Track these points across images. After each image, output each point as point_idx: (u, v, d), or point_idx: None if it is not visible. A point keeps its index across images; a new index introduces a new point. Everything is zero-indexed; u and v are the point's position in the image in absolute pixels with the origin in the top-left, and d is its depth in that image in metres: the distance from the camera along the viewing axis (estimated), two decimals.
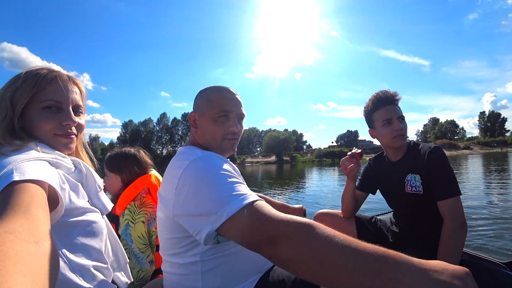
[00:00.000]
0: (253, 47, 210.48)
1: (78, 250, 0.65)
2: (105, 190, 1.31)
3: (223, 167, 0.73)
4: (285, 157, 79.09)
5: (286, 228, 0.55)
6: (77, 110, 0.77)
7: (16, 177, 0.49)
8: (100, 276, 0.71)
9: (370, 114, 1.45)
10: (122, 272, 0.88)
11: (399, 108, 1.40)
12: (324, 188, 11.04)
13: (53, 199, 0.55)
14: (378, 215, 1.90)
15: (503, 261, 1.32)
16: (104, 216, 0.82)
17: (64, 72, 0.77)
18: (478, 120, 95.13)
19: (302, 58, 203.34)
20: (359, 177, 1.60)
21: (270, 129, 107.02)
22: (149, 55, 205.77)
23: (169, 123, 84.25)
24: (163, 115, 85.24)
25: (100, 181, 0.82)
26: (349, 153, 1.43)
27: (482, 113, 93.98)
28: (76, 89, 0.77)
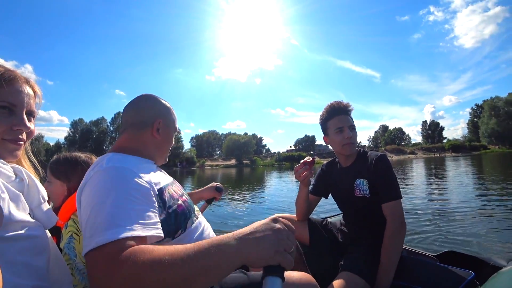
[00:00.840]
0: (215, 50, 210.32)
1: (16, 269, 0.57)
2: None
3: (124, 185, 0.69)
4: (245, 160, 79.52)
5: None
6: (30, 115, 0.72)
7: None
8: None
9: (325, 122, 1.57)
10: None
11: (351, 118, 1.53)
12: (282, 191, 11.27)
13: None
14: (328, 217, 2.04)
15: (434, 254, 1.54)
16: (47, 231, 0.74)
17: (20, 73, 0.71)
18: (421, 128, 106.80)
19: (263, 64, 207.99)
20: (312, 182, 1.72)
21: (230, 132, 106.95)
22: (104, 50, 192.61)
23: None
24: (118, 114, 79.91)
25: (44, 192, 0.75)
26: (302, 161, 1.54)
27: (424, 122, 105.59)
28: (32, 93, 0.72)
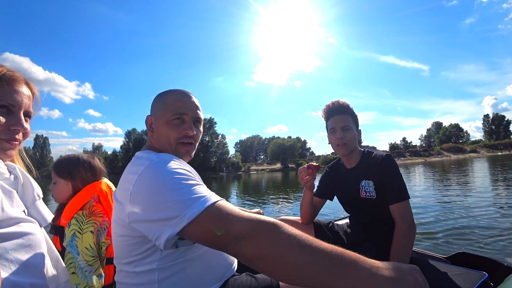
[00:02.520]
0: (252, 56, 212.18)
1: (10, 267, 0.57)
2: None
3: (180, 171, 0.72)
4: (291, 164, 78.82)
5: (251, 227, 0.58)
6: (26, 115, 0.71)
7: None
8: None
9: (326, 123, 1.58)
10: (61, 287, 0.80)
11: (351, 118, 1.49)
12: None
13: None
14: (335, 220, 2.02)
15: (445, 256, 1.52)
16: (43, 228, 0.75)
17: (19, 74, 0.71)
18: (482, 123, 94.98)
19: (302, 66, 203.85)
20: (317, 184, 1.70)
21: (274, 136, 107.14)
22: (149, 64, 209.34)
23: None
24: None
25: (39, 190, 0.75)
26: (306, 165, 1.53)
27: (486, 116, 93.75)
28: (30, 94, 0.72)
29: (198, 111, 0.94)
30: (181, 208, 0.62)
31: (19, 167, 0.72)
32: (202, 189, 0.68)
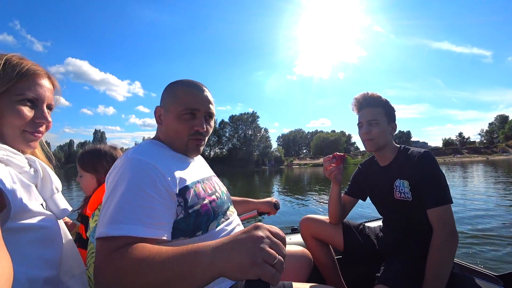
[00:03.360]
0: (293, 49, 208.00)
1: (26, 259, 0.58)
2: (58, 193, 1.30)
3: (138, 180, 0.69)
4: None
5: (101, 278, 0.56)
6: (48, 108, 0.73)
7: None
8: (51, 287, 0.65)
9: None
10: (77, 281, 0.79)
11: (382, 111, 1.35)
12: None
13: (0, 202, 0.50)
14: (367, 221, 1.87)
15: (496, 274, 1.26)
16: (61, 221, 0.76)
17: (42, 68, 0.72)
18: None
19: (345, 57, 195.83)
20: (348, 182, 1.60)
21: (317, 130, 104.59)
22: (192, 61, 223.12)
23: (217, 125, 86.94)
24: None
25: (58, 183, 0.76)
26: (332, 155, 1.43)
27: None
28: (51, 87, 0.74)
29: (210, 105, 0.89)
30: (103, 219, 0.65)
31: (39, 161, 0.73)
32: (135, 213, 0.64)
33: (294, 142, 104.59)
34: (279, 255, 0.49)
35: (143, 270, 0.53)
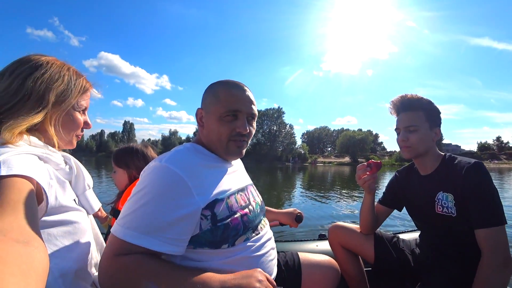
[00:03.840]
0: (321, 44, 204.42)
1: (57, 252, 0.62)
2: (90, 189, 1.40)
3: (164, 191, 0.70)
4: (360, 158, 74.01)
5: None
6: (84, 110, 0.82)
7: (4, 172, 0.48)
8: (81, 279, 0.69)
9: None
10: None
11: (423, 115, 1.21)
12: None
13: (38, 196, 0.54)
14: (401, 232, 1.77)
15: None
16: (91, 216, 0.81)
17: (87, 80, 0.81)
18: None
19: (375, 53, 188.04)
20: (383, 191, 1.49)
21: (343, 128, 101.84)
22: (219, 56, 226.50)
23: None
24: None
25: (89, 180, 0.80)
26: (367, 162, 1.31)
27: None
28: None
29: (252, 106, 0.86)
30: (123, 220, 0.69)
31: (74, 158, 0.77)
32: (148, 224, 0.67)
33: (318, 139, 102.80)
34: None
35: (135, 285, 0.60)
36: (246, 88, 0.88)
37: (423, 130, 1.20)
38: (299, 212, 1.40)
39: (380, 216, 1.43)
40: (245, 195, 0.89)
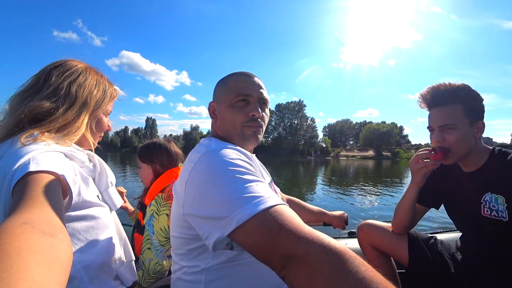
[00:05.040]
0: (341, 34, 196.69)
1: (81, 246, 0.64)
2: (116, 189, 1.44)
3: (237, 162, 0.64)
4: (385, 152, 71.65)
5: (309, 249, 0.45)
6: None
7: (32, 168, 0.51)
8: (103, 273, 0.72)
9: None
10: (126, 269, 0.85)
11: (461, 109, 1.03)
12: None
13: (63, 191, 0.56)
14: (438, 232, 1.61)
15: None
16: (113, 212, 0.83)
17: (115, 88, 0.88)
18: None
19: (397, 42, 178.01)
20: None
21: (365, 121, 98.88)
22: (237, 50, 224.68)
23: None
24: None
25: (112, 177, 0.83)
26: (434, 147, 1.09)
27: None
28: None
29: (262, 90, 0.85)
30: (232, 208, 0.54)
31: (97, 156, 0.81)
32: (260, 188, 0.57)
33: (340, 132, 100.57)
34: None
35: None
36: (254, 75, 0.88)
37: (463, 128, 1.02)
38: (347, 216, 1.37)
39: (416, 214, 1.29)
40: (273, 189, 0.86)
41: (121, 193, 1.49)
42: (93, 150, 0.81)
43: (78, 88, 0.74)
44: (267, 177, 0.87)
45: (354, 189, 10.43)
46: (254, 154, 0.93)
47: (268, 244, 0.49)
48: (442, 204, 1.28)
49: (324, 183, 12.71)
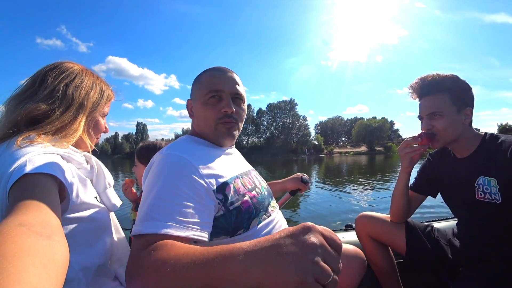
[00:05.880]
0: (327, 32, 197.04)
1: (79, 248, 0.63)
2: (130, 185, 1.47)
3: (173, 176, 0.67)
4: (378, 147, 72.52)
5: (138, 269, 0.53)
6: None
7: (29, 170, 0.50)
8: (102, 274, 0.71)
9: None
10: (125, 270, 0.82)
11: (448, 97, 1.08)
12: None
13: (61, 193, 0.56)
14: (435, 220, 1.64)
15: None
16: (112, 213, 0.82)
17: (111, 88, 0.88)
18: None
19: (384, 38, 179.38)
20: (414, 176, 1.35)
21: (356, 117, 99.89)
22: (225, 51, 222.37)
23: (254, 114, 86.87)
24: (248, 106, 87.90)
25: (110, 178, 0.82)
26: (420, 133, 1.15)
27: None
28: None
29: (236, 86, 0.84)
30: (139, 217, 0.63)
31: (95, 158, 0.80)
32: (169, 211, 0.61)
33: (332, 129, 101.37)
34: (333, 271, 0.37)
35: (167, 273, 0.47)
36: (229, 70, 0.86)
37: (450, 115, 1.08)
38: (303, 174, 1.35)
39: (413, 204, 1.32)
40: (250, 178, 0.87)
41: (130, 184, 1.49)
42: (91, 152, 0.80)
43: (75, 90, 0.74)
44: (239, 169, 0.86)
45: (350, 184, 10.52)
46: (234, 147, 0.96)
47: (130, 263, 0.57)
48: (439, 193, 1.30)
49: (319, 180, 12.77)
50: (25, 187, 0.47)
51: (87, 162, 0.76)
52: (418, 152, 1.16)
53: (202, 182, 0.69)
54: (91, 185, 0.74)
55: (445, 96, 1.08)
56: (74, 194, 0.63)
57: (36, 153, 0.57)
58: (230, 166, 0.83)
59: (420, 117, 1.16)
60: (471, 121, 1.13)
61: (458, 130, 1.09)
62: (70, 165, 0.66)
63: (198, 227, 0.62)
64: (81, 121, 0.74)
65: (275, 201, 0.95)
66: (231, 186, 0.76)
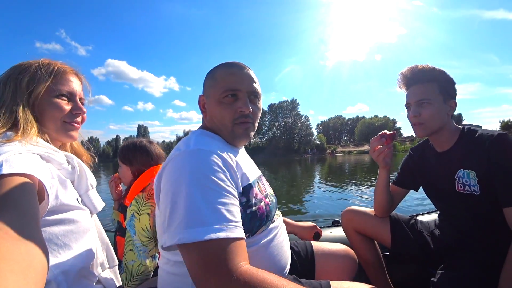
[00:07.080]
0: (325, 32, 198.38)
1: (59, 251, 0.61)
2: (117, 182, 1.45)
3: (208, 173, 0.62)
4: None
5: None
6: (81, 102, 0.80)
7: (6, 170, 0.48)
8: (84, 277, 0.69)
9: None
10: (109, 274, 0.83)
11: (435, 86, 1.11)
12: None
13: (40, 194, 0.54)
14: (419, 214, 1.68)
15: None
16: (94, 215, 0.80)
17: (69, 66, 0.79)
18: None
19: (382, 37, 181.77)
20: (397, 171, 1.40)
21: (358, 116, 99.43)
22: (224, 52, 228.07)
23: None
24: None
25: (92, 180, 0.80)
26: (379, 133, 1.24)
27: None
28: (79, 82, 0.81)
29: (253, 83, 0.80)
30: (181, 225, 0.56)
31: (77, 158, 0.78)
32: (217, 211, 0.58)
33: (334, 129, 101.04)
34: None
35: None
36: (245, 66, 0.82)
37: (437, 104, 1.11)
38: (318, 229, 1.33)
39: (396, 198, 1.36)
40: (262, 184, 0.85)
41: (118, 180, 1.47)
42: (77, 139, 0.79)
43: (3, 85, 0.69)
44: (255, 172, 0.85)
45: (350, 184, 10.51)
46: (243, 149, 0.92)
47: (198, 272, 0.53)
48: (421, 186, 1.34)
49: (323, 180, 12.76)
50: (2, 189, 0.45)
51: (69, 162, 0.74)
52: (386, 152, 1.23)
53: (234, 181, 0.67)
54: (72, 186, 0.72)
55: (433, 85, 1.11)
56: (53, 196, 0.60)
57: (13, 153, 0.54)
58: (251, 167, 0.81)
59: (407, 105, 1.19)
60: (453, 115, 1.17)
61: (443, 119, 1.12)
62: (49, 165, 0.64)
63: (241, 226, 0.61)
64: (24, 111, 0.67)
65: (278, 210, 0.95)
66: (255, 189, 0.74)
